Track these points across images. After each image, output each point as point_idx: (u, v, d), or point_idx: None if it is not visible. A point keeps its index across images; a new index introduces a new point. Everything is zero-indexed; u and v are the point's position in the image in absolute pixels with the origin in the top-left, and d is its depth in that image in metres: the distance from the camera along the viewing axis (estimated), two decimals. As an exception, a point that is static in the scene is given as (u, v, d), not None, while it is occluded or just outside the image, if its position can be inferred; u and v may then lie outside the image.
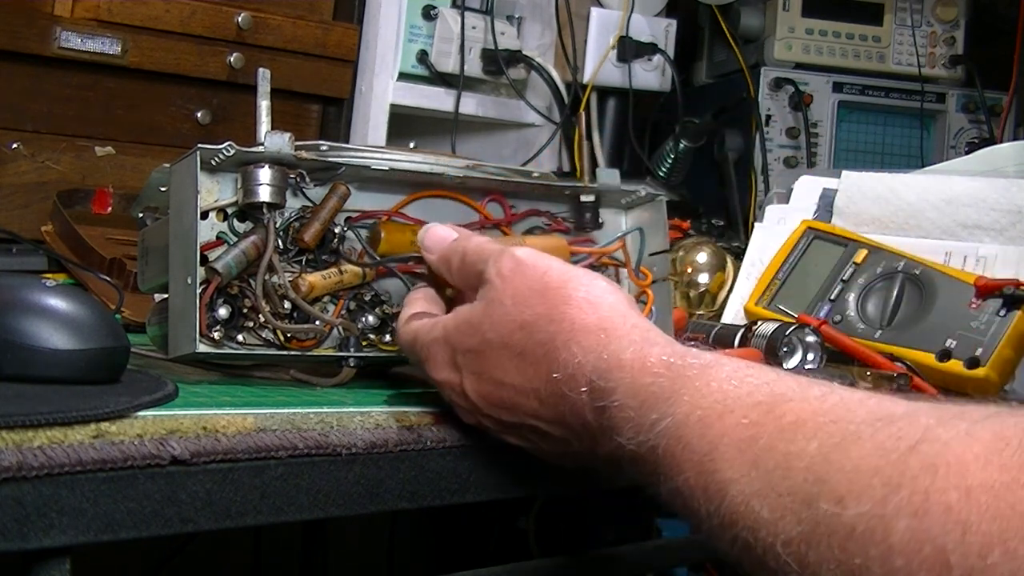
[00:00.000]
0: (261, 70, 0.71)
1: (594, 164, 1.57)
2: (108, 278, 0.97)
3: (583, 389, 0.54)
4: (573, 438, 0.57)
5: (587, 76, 1.59)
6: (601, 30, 1.59)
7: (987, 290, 0.93)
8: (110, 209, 1.14)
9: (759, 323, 0.94)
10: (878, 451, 0.40)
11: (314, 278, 0.71)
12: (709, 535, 0.46)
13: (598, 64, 1.59)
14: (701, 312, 1.19)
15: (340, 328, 0.72)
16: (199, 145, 0.67)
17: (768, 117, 1.63)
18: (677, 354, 0.52)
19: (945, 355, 0.91)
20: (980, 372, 0.89)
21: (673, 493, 0.48)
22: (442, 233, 0.66)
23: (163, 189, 0.71)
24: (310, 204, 0.72)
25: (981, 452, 0.37)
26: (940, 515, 0.36)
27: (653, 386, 0.51)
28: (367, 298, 0.74)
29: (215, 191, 0.69)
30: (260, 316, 0.69)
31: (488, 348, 0.58)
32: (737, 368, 0.50)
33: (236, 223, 0.70)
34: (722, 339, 0.97)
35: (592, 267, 0.78)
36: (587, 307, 0.56)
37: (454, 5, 1.48)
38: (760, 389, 0.47)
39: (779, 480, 0.43)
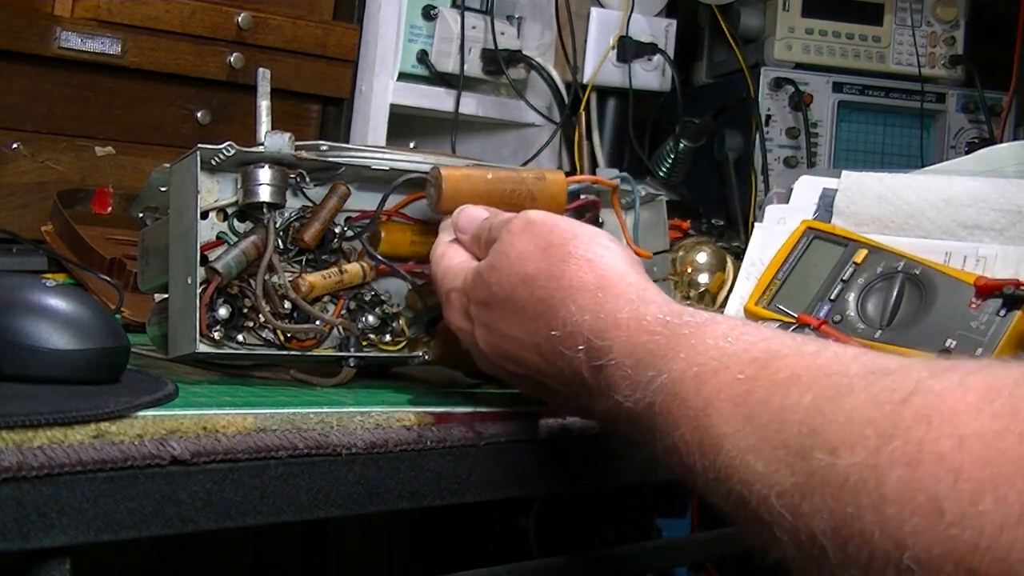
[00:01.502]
0: (261, 70, 0.71)
1: (594, 164, 1.57)
2: (108, 278, 0.97)
3: (580, 347, 0.55)
4: (572, 394, 0.58)
5: (587, 76, 1.59)
6: (601, 30, 1.59)
7: (987, 290, 0.93)
8: (110, 209, 1.14)
9: (759, 323, 0.94)
10: (872, 402, 0.40)
11: (314, 278, 0.71)
12: (704, 490, 0.47)
13: (598, 64, 1.59)
14: (701, 312, 1.19)
15: (340, 328, 0.72)
16: (199, 145, 0.67)
17: (768, 117, 1.63)
18: (673, 312, 0.53)
19: (945, 355, 0.91)
20: (980, 372, 0.89)
21: (669, 450, 0.49)
22: (474, 214, 0.67)
23: (163, 189, 0.71)
24: (310, 204, 0.72)
25: (974, 402, 0.37)
26: (933, 464, 0.37)
27: (649, 344, 0.51)
28: (367, 298, 0.74)
29: (215, 191, 0.69)
30: (260, 316, 0.69)
31: (494, 301, 0.60)
32: (733, 326, 0.50)
33: (236, 223, 0.70)
34: (722, 339, 0.97)
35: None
36: (586, 265, 0.57)
37: (454, 5, 1.48)
38: (756, 346, 0.48)
39: (773, 434, 0.43)
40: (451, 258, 0.66)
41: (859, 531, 0.38)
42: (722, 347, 0.48)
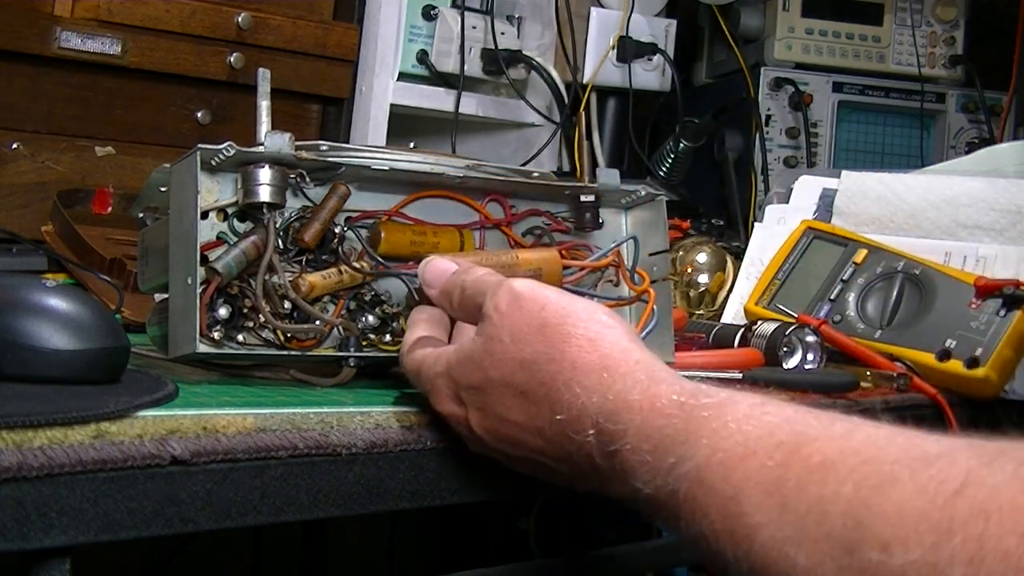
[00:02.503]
0: (261, 70, 0.71)
1: (594, 164, 1.57)
2: (108, 278, 0.97)
3: (590, 432, 0.53)
4: (582, 477, 0.56)
5: (587, 76, 1.59)
6: (601, 30, 1.59)
7: (987, 290, 0.93)
8: (110, 209, 1.14)
9: (759, 323, 0.94)
10: (920, 494, 0.39)
11: (314, 278, 0.71)
12: None
13: (598, 64, 1.59)
14: (701, 312, 1.19)
15: (340, 328, 0.71)
16: (199, 145, 0.67)
17: (768, 117, 1.63)
18: (687, 392, 0.51)
19: (945, 355, 0.91)
20: (980, 372, 0.89)
21: (697, 537, 0.47)
22: (442, 267, 0.65)
23: (163, 189, 0.71)
24: (310, 204, 0.72)
25: None
26: (998, 562, 0.36)
27: (667, 428, 0.50)
28: (367, 298, 0.74)
29: (215, 191, 0.69)
30: (260, 316, 0.69)
31: (490, 386, 0.57)
32: (753, 405, 0.48)
33: (236, 223, 0.70)
34: (722, 339, 0.97)
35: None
36: (587, 345, 0.54)
37: (454, 5, 1.48)
38: (781, 428, 0.46)
39: (813, 525, 0.42)
40: (423, 345, 0.63)
41: None
42: (746, 431, 0.47)
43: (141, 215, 0.77)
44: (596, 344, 0.54)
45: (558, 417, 0.54)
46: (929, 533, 0.38)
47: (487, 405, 0.58)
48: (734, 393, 0.50)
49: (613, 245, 0.76)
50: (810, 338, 0.91)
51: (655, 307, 0.71)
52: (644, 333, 0.68)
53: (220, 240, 0.70)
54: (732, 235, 1.44)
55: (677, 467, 0.48)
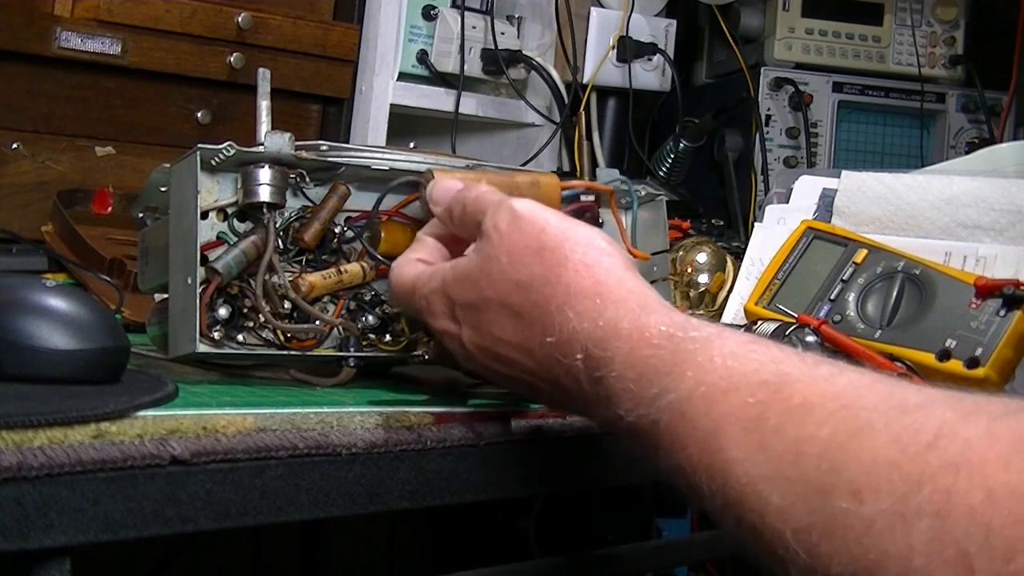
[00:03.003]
0: (261, 70, 0.71)
1: (594, 164, 1.57)
2: (108, 278, 0.97)
3: (578, 356, 0.53)
4: (568, 399, 0.57)
5: (587, 76, 1.59)
6: (601, 30, 1.59)
7: (987, 290, 0.93)
8: (110, 209, 1.14)
9: (759, 323, 0.94)
10: (894, 443, 0.39)
11: (314, 278, 0.71)
12: (712, 513, 0.46)
13: (598, 64, 1.59)
14: (701, 312, 1.19)
15: (340, 328, 0.72)
16: (199, 145, 0.67)
17: (768, 117, 1.63)
18: (676, 324, 0.51)
19: (945, 355, 0.91)
20: (980, 372, 0.89)
21: (674, 469, 0.48)
22: (448, 185, 0.65)
23: (163, 189, 0.71)
24: (310, 204, 0.72)
25: (1002, 452, 0.37)
26: (963, 517, 0.36)
27: (653, 359, 0.50)
28: (367, 298, 0.74)
29: (215, 191, 0.69)
30: (260, 316, 0.69)
31: (485, 304, 0.58)
32: (740, 342, 0.49)
33: (236, 223, 0.70)
34: (722, 339, 0.97)
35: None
36: (583, 269, 0.55)
37: (454, 5, 1.48)
38: (765, 367, 0.47)
39: (789, 465, 0.42)
40: (416, 265, 0.64)
41: None
42: (731, 366, 0.47)
43: (141, 215, 0.77)
44: (592, 270, 0.55)
45: (549, 339, 0.55)
46: (900, 483, 0.38)
47: (481, 323, 0.59)
48: (724, 329, 0.51)
49: (608, 179, 0.75)
50: (810, 338, 0.91)
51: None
52: None
53: (220, 240, 0.70)
54: (732, 235, 1.44)
55: (660, 397, 0.49)
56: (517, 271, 0.56)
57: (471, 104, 1.51)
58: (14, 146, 1.17)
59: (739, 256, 1.19)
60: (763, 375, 0.46)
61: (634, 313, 0.52)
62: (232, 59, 1.27)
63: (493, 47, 1.48)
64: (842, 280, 1.01)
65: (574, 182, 0.73)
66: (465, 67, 1.46)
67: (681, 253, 1.22)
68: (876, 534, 0.38)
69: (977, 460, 0.37)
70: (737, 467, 0.44)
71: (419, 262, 0.65)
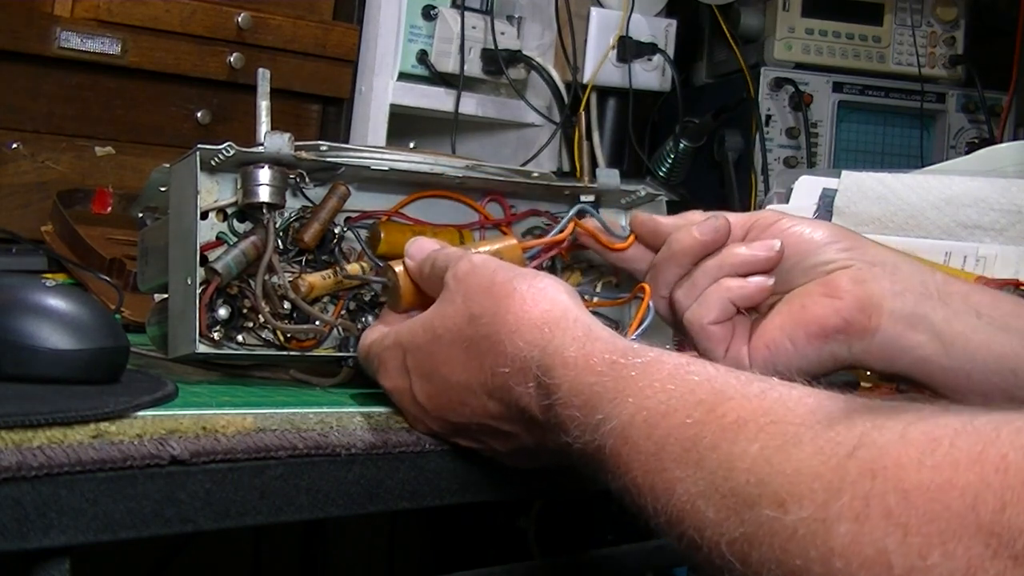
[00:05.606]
0: (261, 70, 0.71)
1: (594, 164, 1.57)
2: (108, 278, 0.97)
3: (531, 384, 0.55)
4: (523, 432, 0.58)
5: (587, 76, 1.59)
6: (601, 30, 1.59)
7: (987, 290, 0.93)
8: (110, 209, 1.14)
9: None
10: (817, 455, 0.41)
11: (314, 278, 0.71)
12: (657, 530, 0.48)
13: (598, 64, 1.59)
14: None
15: (340, 328, 0.72)
16: (199, 145, 0.67)
17: (768, 117, 1.63)
18: (619, 351, 0.53)
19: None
20: (980, 372, 0.89)
21: (622, 490, 0.49)
22: (425, 244, 0.67)
23: (163, 189, 0.71)
24: (310, 204, 0.72)
25: (915, 455, 0.38)
26: (880, 519, 0.38)
27: (596, 386, 0.52)
28: (367, 298, 0.74)
29: (215, 191, 0.69)
30: (260, 316, 0.69)
31: (437, 344, 0.60)
32: (678, 365, 0.51)
33: (236, 223, 0.70)
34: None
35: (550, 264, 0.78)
36: (530, 300, 0.57)
37: (454, 5, 1.49)
38: (701, 386, 0.48)
39: (722, 480, 0.44)
40: (377, 329, 0.66)
41: None
42: (669, 389, 0.49)
43: (141, 215, 0.77)
44: (538, 301, 0.57)
45: (502, 370, 0.56)
46: (821, 492, 0.40)
47: (432, 367, 0.60)
48: (663, 353, 0.52)
49: (565, 219, 0.75)
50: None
51: (650, 303, 0.71)
52: (639, 330, 0.68)
53: (220, 240, 0.70)
54: (732, 235, 1.44)
55: (604, 423, 0.50)
56: (469, 307, 0.59)
57: (471, 104, 1.51)
58: (14, 146, 1.17)
59: (739, 256, 1.19)
60: (699, 395, 0.48)
61: (580, 341, 0.54)
62: (232, 59, 1.27)
63: (493, 47, 1.48)
64: (842, 280, 1.01)
65: (532, 241, 0.74)
66: (465, 67, 1.46)
67: (681, 253, 1.22)
68: (799, 540, 0.40)
69: (892, 464, 0.38)
70: (678, 486, 0.46)
71: (380, 326, 0.67)
